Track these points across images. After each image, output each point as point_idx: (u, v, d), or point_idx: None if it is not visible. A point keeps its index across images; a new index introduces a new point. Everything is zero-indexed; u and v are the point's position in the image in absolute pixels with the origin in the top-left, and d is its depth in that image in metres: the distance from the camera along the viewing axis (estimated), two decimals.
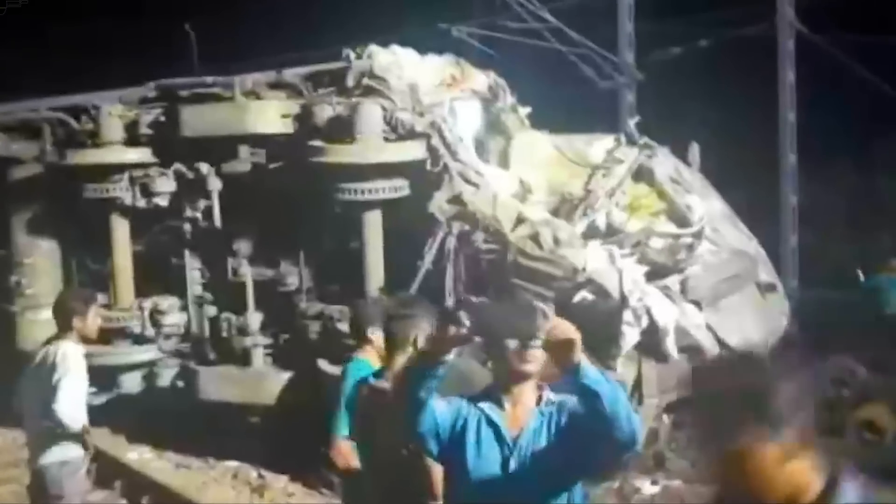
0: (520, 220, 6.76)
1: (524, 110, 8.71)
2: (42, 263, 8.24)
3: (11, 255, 8.25)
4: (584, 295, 6.24)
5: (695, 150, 8.24)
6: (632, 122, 8.86)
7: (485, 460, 2.70)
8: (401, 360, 3.29)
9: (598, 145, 8.18)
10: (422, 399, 2.66)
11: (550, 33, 11.74)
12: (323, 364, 6.81)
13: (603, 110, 11.68)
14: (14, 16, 14.64)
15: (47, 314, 8.06)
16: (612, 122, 10.88)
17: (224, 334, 7.55)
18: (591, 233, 7.14)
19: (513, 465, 2.68)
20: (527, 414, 2.74)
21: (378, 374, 3.40)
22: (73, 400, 4.70)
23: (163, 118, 7.74)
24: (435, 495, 3.21)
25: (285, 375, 7.18)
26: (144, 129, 7.78)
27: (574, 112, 9.78)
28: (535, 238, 6.59)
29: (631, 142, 8.23)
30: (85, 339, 5.07)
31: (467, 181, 6.95)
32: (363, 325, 4.06)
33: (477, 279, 6.69)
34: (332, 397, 4.05)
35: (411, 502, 3.25)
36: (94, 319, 5.07)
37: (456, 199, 6.81)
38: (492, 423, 2.75)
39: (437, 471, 3.13)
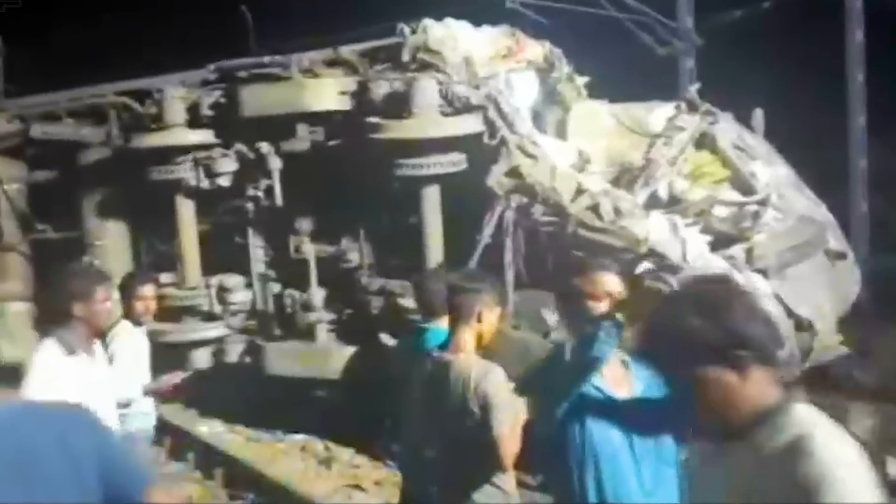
0: (579, 192, 6.69)
1: (581, 80, 8.59)
2: (112, 245, 8.49)
3: (83, 238, 8.51)
4: (646, 266, 6.16)
5: (759, 116, 8.02)
6: (692, 89, 8.64)
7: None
8: (465, 333, 3.31)
9: (658, 113, 8.02)
10: (598, 360, 2.82)
11: (606, 0, 11.51)
12: (385, 338, 6.90)
13: (662, 78, 11.43)
14: (77, 6, 15.03)
15: (118, 294, 8.40)
16: (671, 90, 10.63)
17: (288, 311, 7.69)
18: (652, 202, 7.02)
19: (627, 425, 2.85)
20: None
21: (443, 346, 3.42)
22: (122, 376, 4.73)
23: (223, 99, 7.86)
24: (504, 466, 3.23)
25: (349, 350, 7.29)
26: (206, 111, 7.92)
27: (632, 80, 9.59)
28: (595, 209, 6.52)
29: (692, 109, 8.04)
30: (142, 319, 5.24)
31: (525, 153, 6.90)
32: (432, 298, 4.08)
33: (537, 253, 6.67)
34: (399, 368, 4.10)
35: (479, 474, 3.27)
36: (145, 300, 5.18)
37: (514, 172, 6.77)
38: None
39: (509, 442, 3.15)
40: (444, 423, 3.29)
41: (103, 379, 4.07)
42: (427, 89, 6.97)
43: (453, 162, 6.94)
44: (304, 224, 7.65)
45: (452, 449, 3.28)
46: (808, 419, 1.82)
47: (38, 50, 13.96)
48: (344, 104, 7.40)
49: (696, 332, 1.84)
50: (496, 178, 6.73)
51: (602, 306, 2.94)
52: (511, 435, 3.17)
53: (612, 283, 3.07)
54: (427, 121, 6.89)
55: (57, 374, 3.67)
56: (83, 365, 3.89)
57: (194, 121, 7.91)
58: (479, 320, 3.33)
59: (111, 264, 8.39)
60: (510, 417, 3.17)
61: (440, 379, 3.29)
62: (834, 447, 1.75)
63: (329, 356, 7.35)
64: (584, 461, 2.86)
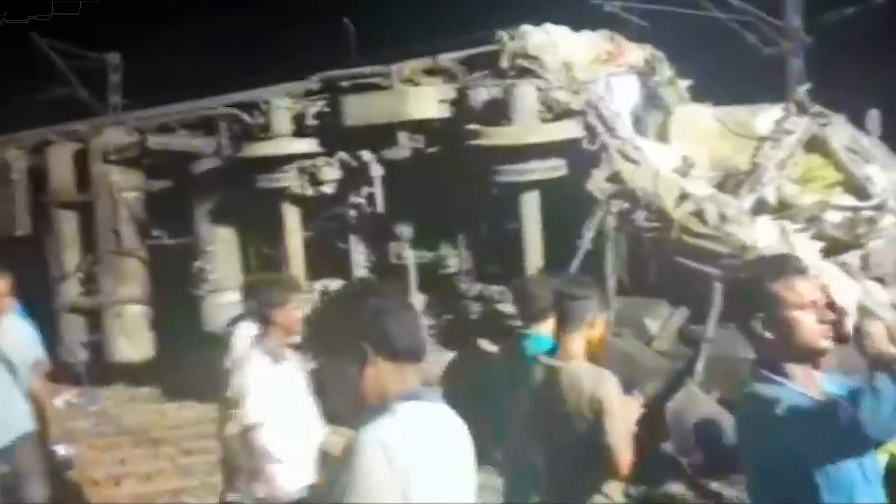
0: (683, 197, 6.55)
1: (684, 83, 8.42)
2: (222, 250, 8.84)
3: (195, 243, 8.89)
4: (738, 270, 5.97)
5: (874, 117, 7.66)
6: (801, 90, 8.35)
7: None
8: (576, 340, 3.29)
9: (765, 116, 7.76)
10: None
11: (709, 1, 11.25)
12: (484, 343, 6.92)
13: (768, 79, 11.07)
14: (186, 21, 15.73)
15: (229, 297, 8.74)
16: (778, 91, 10.29)
17: None
18: (759, 208, 6.81)
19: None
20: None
21: (552, 352, 3.42)
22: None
23: (327, 109, 8.08)
24: (620, 475, 3.19)
25: (447, 355, 7.34)
26: (310, 121, 8.16)
27: (737, 82, 9.34)
28: (699, 214, 6.38)
29: (801, 110, 7.75)
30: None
31: (626, 158, 6.82)
32: (532, 303, 4.09)
33: (638, 259, 6.57)
34: (501, 374, 4.11)
35: (588, 483, 3.24)
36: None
37: (615, 177, 6.69)
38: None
39: (624, 451, 3.11)
40: (554, 430, 3.27)
41: (305, 383, 4.12)
42: (526, 95, 6.97)
43: (553, 167, 6.92)
44: (405, 230, 7.77)
45: (562, 456, 3.26)
46: None
47: (153, 65, 14.70)
48: (443, 112, 7.49)
49: None
50: (597, 183, 6.67)
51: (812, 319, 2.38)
52: (626, 444, 3.14)
53: (815, 289, 2.49)
54: (526, 127, 6.90)
55: (271, 383, 3.86)
56: (289, 372, 4.01)
57: (299, 130, 8.16)
58: (590, 327, 3.31)
59: (221, 268, 8.78)
60: (625, 426, 3.14)
61: (550, 385, 3.28)
62: None
63: (428, 361, 7.41)
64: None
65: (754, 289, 2.42)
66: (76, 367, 9.02)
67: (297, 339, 3.93)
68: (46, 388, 5.33)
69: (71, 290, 9.70)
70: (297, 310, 4.01)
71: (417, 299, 7.65)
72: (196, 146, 8.87)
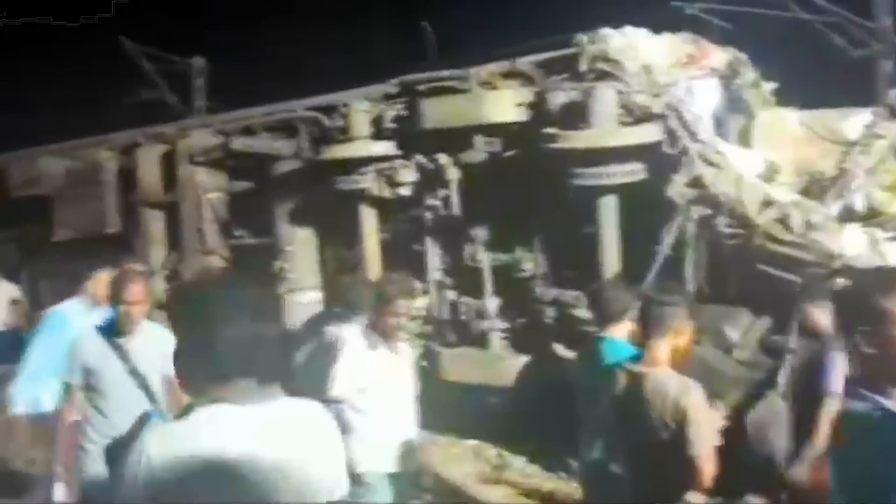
0: (766, 203, 6.39)
1: (768, 86, 8.21)
2: (300, 250, 9.02)
3: (275, 243, 9.10)
4: (841, 282, 5.79)
5: None
6: (893, 93, 8.03)
7: None
8: (661, 347, 3.26)
9: (853, 120, 7.50)
10: None
11: (794, 2, 10.94)
12: (559, 348, 6.90)
13: (857, 82, 10.70)
14: (267, 27, 16.11)
15: (307, 296, 8.93)
16: (868, 95, 9.95)
17: (463, 318, 7.86)
18: (847, 215, 6.60)
19: None
20: None
21: (636, 358, 3.39)
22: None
23: (405, 112, 8.18)
24: (704, 486, 3.14)
25: (522, 359, 7.34)
26: (388, 124, 8.26)
27: (824, 85, 9.06)
28: (783, 221, 6.21)
29: (892, 115, 7.47)
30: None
31: (708, 162, 6.69)
32: (613, 307, 4.07)
33: (719, 266, 6.44)
34: (579, 379, 4.10)
35: (670, 492, 3.20)
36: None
37: (696, 182, 6.58)
38: None
39: (708, 461, 3.06)
40: (636, 438, 3.24)
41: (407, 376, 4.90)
42: (605, 98, 6.91)
43: (631, 171, 6.84)
44: (480, 233, 7.80)
45: (643, 464, 3.23)
46: None
47: (237, 69, 15.10)
48: (521, 115, 7.49)
49: None
50: (677, 188, 6.57)
51: None
52: (710, 455, 3.08)
53: None
54: (605, 130, 6.84)
55: (363, 365, 4.62)
56: (386, 359, 4.74)
57: (378, 133, 8.27)
58: (676, 334, 3.27)
59: (299, 268, 8.96)
60: (710, 436, 3.09)
61: (633, 392, 3.25)
62: None
63: (502, 364, 7.44)
64: None
65: (860, 302, 2.32)
66: None
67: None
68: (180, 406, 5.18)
69: (157, 287, 10.04)
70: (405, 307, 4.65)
71: (492, 302, 7.67)
72: (277, 148, 9.07)
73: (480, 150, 7.68)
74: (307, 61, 14.98)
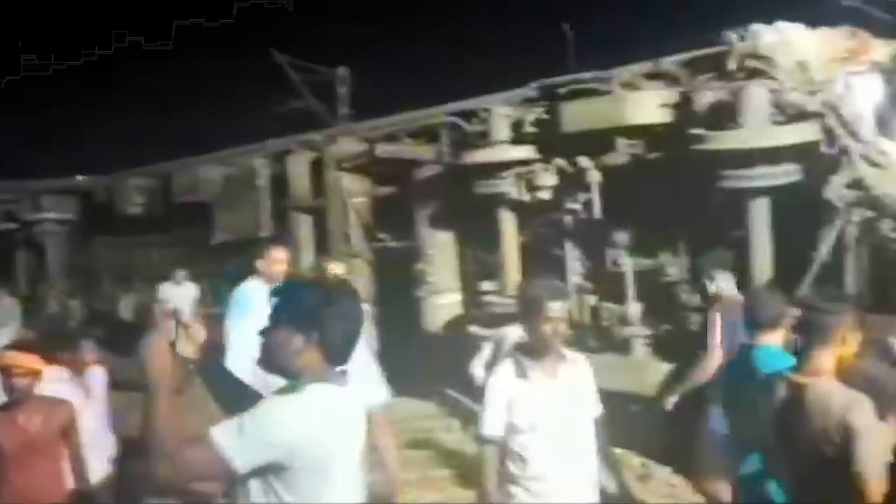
0: None
1: None
2: (441, 254, 9.19)
3: (416, 247, 9.30)
4: None
5: None
6: None
7: None
8: (825, 357, 3.10)
9: None
10: None
11: None
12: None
13: None
14: (407, 35, 16.47)
15: (447, 299, 9.08)
16: None
17: (604, 323, 7.75)
18: None
19: None
20: None
21: (796, 368, 3.23)
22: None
23: (545, 116, 8.16)
24: (869, 502, 2.96)
25: (666, 366, 7.15)
26: (528, 128, 8.28)
27: None
28: None
29: None
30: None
31: (870, 162, 6.31)
32: (767, 314, 3.90)
33: (883, 272, 6.05)
34: (730, 387, 3.96)
35: None
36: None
37: (857, 183, 6.21)
38: None
39: (877, 480, 2.88)
40: (796, 452, 3.09)
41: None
42: (756, 97, 6.65)
43: (785, 173, 6.55)
44: (622, 237, 7.67)
45: (804, 480, 3.07)
46: None
47: (379, 77, 15.55)
48: (665, 116, 7.31)
49: None
50: (836, 190, 6.23)
51: None
52: (879, 473, 2.90)
53: None
54: (756, 130, 6.58)
55: (514, 397, 3.51)
56: (543, 388, 3.56)
57: (517, 137, 8.30)
58: (842, 343, 3.10)
59: (440, 271, 9.13)
60: (879, 452, 2.90)
61: (794, 403, 3.10)
62: None
63: (645, 371, 7.28)
64: None
65: None
66: None
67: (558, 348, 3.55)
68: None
69: None
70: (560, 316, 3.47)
71: (634, 308, 7.52)
72: (419, 154, 9.28)
73: (623, 152, 7.56)
74: (447, 67, 15.22)
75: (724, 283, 5.77)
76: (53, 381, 4.58)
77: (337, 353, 2.40)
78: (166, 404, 2.37)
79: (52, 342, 5.70)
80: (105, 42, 18.55)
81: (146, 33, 18.02)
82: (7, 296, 9.36)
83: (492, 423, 3.49)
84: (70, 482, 4.23)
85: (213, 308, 8.90)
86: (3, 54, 18.09)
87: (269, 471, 2.24)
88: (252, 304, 4.84)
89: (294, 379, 2.36)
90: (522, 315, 3.58)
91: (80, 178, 14.46)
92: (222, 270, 10.38)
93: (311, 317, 2.36)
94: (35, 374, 4.10)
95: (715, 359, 5.58)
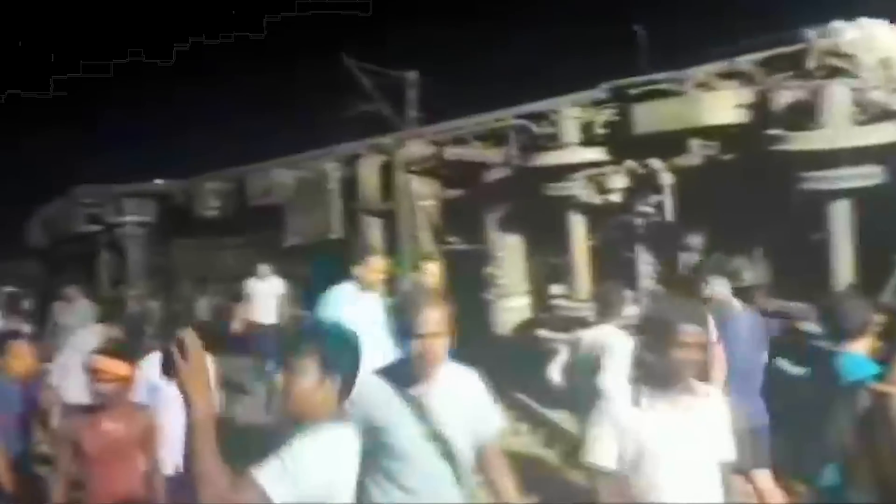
0: None
1: None
2: (510, 257, 9.16)
3: (485, 249, 9.30)
4: None
5: None
6: None
7: None
8: None
9: None
10: None
11: None
12: (783, 364, 6.48)
13: None
14: (475, 38, 16.50)
15: (516, 302, 9.05)
16: None
17: None
18: None
19: None
20: None
21: (880, 376, 3.11)
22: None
23: (616, 117, 8.06)
24: None
25: None
26: (598, 130, 8.19)
27: None
28: None
29: None
30: None
31: None
32: (852, 321, 3.78)
33: None
34: (812, 396, 3.85)
35: None
36: None
37: None
38: None
39: None
40: (879, 462, 2.98)
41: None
42: (837, 96, 6.44)
43: (867, 174, 6.33)
44: (695, 240, 7.52)
45: (886, 490, 2.96)
46: None
47: (448, 80, 15.61)
48: (740, 117, 7.15)
49: None
50: None
51: None
52: None
53: None
54: (837, 130, 6.37)
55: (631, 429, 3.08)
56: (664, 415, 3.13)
57: (587, 139, 8.22)
58: None
59: (508, 274, 9.10)
60: None
61: (878, 413, 2.99)
62: None
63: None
64: None
65: None
66: None
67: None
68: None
69: None
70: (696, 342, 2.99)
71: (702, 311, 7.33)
72: (487, 156, 9.27)
73: (696, 153, 7.42)
74: (515, 70, 15.20)
75: (718, 288, 5.63)
76: (149, 387, 4.58)
77: (347, 388, 2.51)
78: (210, 441, 2.19)
79: (133, 342, 5.84)
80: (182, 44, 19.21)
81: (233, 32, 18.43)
82: (82, 297, 9.69)
83: (603, 454, 3.06)
84: (145, 489, 4.19)
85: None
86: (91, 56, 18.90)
87: None
88: (344, 307, 4.92)
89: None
90: (646, 337, 3.12)
91: (159, 181, 14.94)
92: (293, 272, 10.58)
93: (337, 355, 2.47)
94: (122, 381, 4.10)
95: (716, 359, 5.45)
